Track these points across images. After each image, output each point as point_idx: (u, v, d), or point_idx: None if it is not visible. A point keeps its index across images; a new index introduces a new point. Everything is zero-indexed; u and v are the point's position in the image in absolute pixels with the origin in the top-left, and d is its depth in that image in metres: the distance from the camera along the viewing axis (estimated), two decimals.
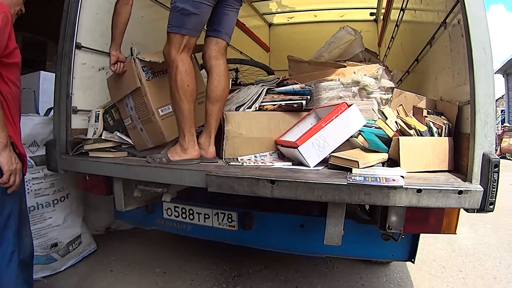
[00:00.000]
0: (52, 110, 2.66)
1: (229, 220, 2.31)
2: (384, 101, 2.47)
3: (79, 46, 2.59)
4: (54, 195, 2.91)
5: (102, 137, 2.49)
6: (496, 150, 15.34)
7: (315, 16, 5.68)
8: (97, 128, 2.54)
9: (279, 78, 2.72)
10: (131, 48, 2.37)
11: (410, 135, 1.93)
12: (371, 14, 5.55)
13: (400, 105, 2.18)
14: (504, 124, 16.31)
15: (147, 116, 2.32)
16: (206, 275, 3.02)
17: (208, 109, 2.17)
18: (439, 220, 1.85)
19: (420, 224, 1.86)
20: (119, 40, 2.33)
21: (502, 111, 19.83)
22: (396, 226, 1.81)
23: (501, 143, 15.33)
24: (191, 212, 2.41)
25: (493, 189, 1.54)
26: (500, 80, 17.56)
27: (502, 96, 19.11)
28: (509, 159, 14.37)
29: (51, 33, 1.99)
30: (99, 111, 2.59)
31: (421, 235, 2.23)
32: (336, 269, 3.23)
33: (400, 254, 2.30)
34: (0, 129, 1.75)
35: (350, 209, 2.02)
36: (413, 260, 2.28)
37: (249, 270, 3.12)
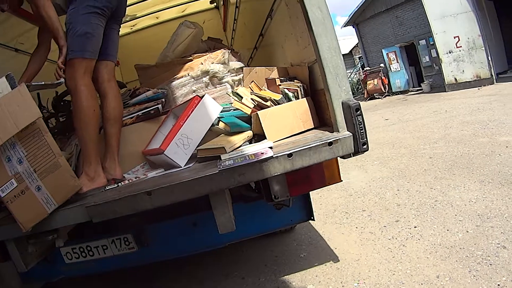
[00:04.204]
0: None
1: (126, 243, 2.24)
2: (236, 82, 2.52)
3: None
4: None
5: None
6: (363, 94, 16.72)
7: (157, 18, 5.51)
8: None
9: (130, 90, 2.66)
10: (9, 75, 1.73)
11: (268, 106, 1.98)
12: (211, 2, 5.54)
13: (252, 82, 2.22)
14: (365, 69, 17.63)
15: (50, 163, 1.76)
16: None
17: (108, 131, 2.13)
18: (320, 175, 1.94)
19: (303, 184, 1.94)
20: None
21: (360, 57, 21.65)
22: (282, 194, 1.88)
23: (366, 86, 16.44)
24: (88, 248, 2.27)
25: (361, 131, 1.65)
26: (351, 31, 19.13)
27: (357, 44, 20.76)
28: (378, 98, 15.74)
29: None
30: None
31: (312, 193, 2.32)
32: (245, 252, 3.24)
33: (298, 216, 2.44)
34: None
35: (235, 193, 2.06)
36: (312, 217, 2.42)
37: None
